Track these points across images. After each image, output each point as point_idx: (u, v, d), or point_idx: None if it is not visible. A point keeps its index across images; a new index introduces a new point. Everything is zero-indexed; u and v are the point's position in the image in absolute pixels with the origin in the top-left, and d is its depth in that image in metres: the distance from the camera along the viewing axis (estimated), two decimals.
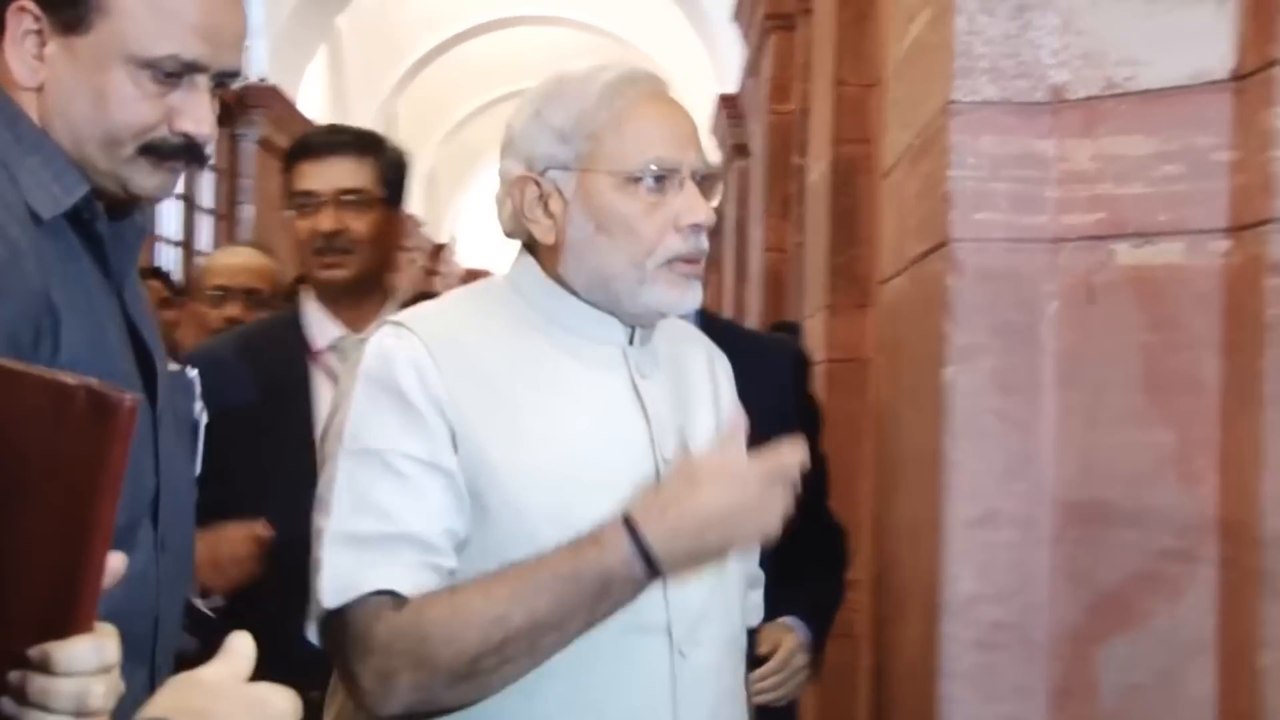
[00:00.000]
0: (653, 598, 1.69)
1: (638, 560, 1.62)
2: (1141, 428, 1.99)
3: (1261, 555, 1.83)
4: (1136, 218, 2.04)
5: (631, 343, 1.84)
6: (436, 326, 1.77)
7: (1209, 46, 1.98)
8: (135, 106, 1.53)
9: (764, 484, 1.66)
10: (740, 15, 8.95)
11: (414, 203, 15.58)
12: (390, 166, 2.73)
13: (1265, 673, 1.82)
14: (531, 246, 1.86)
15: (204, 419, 1.77)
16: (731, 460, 1.69)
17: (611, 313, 1.82)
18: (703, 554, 1.66)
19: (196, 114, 1.56)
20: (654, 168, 1.77)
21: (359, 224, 2.67)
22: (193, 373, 1.75)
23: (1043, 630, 2.07)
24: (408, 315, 1.80)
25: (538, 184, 1.81)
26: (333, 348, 2.68)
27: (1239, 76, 1.96)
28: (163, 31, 1.52)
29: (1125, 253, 2.05)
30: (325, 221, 2.65)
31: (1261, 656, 1.83)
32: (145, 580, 1.54)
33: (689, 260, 1.79)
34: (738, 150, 9.84)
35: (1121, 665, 2.02)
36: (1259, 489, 1.84)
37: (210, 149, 1.61)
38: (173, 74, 1.53)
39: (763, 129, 7.82)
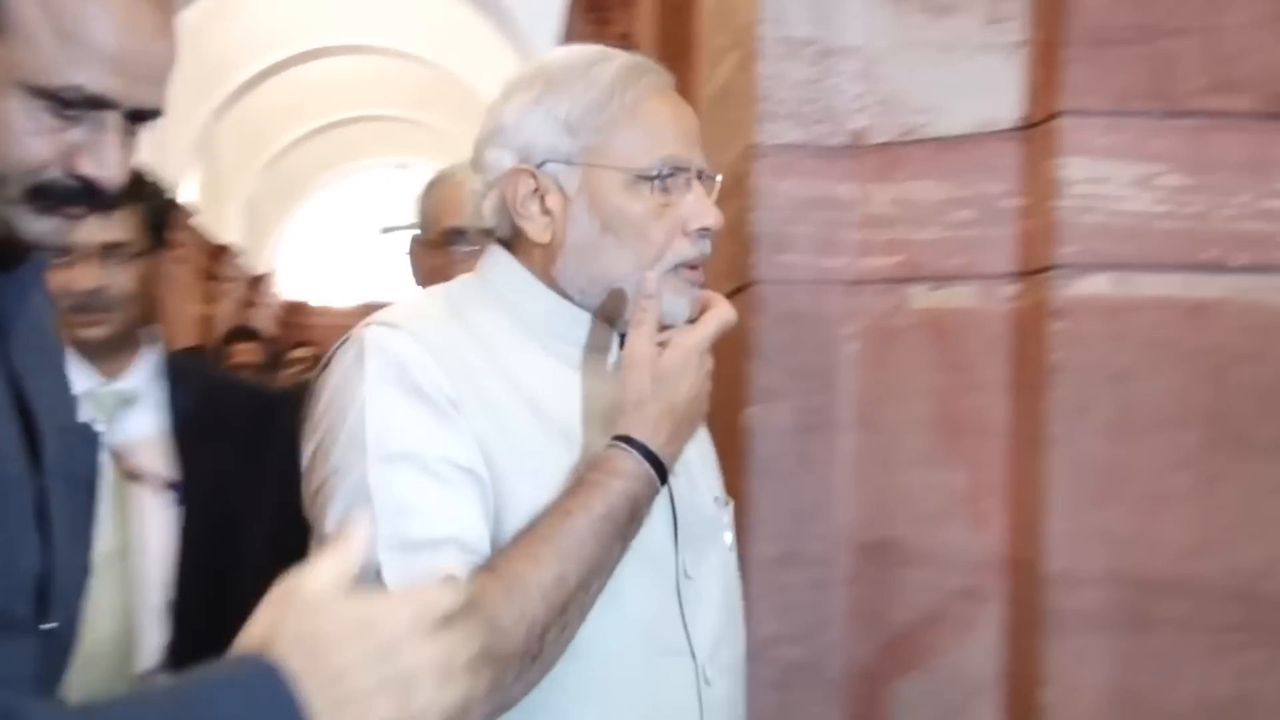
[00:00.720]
0: (670, 619, 1.64)
1: (652, 472, 1.57)
2: (934, 468, 2.05)
3: (1044, 593, 1.89)
4: (931, 261, 2.10)
5: (622, 349, 1.70)
6: (428, 330, 1.63)
7: (999, 97, 2.05)
8: (26, 141, 1.30)
9: (702, 355, 1.64)
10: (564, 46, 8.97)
11: (232, 232, 15.36)
12: (153, 211, 2.58)
13: (1046, 708, 1.88)
14: (509, 244, 1.71)
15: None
16: (684, 344, 1.63)
17: (607, 319, 1.70)
18: (686, 439, 1.63)
19: (100, 155, 1.33)
20: (666, 166, 1.65)
21: (122, 278, 2.44)
22: (99, 426, 1.64)
23: (837, 669, 2.11)
24: (394, 317, 1.63)
25: (534, 177, 1.66)
26: (87, 396, 2.55)
27: (1026, 126, 2.03)
28: (68, 58, 1.29)
29: (920, 296, 2.11)
30: (84, 278, 2.41)
31: (1043, 692, 1.89)
32: (23, 669, 1.36)
33: (693, 266, 1.68)
34: None
35: (912, 703, 2.07)
36: (1043, 528, 1.91)
37: (113, 193, 1.36)
38: (75, 107, 1.30)
39: None
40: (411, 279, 2.61)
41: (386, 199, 15.80)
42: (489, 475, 1.56)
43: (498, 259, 1.72)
